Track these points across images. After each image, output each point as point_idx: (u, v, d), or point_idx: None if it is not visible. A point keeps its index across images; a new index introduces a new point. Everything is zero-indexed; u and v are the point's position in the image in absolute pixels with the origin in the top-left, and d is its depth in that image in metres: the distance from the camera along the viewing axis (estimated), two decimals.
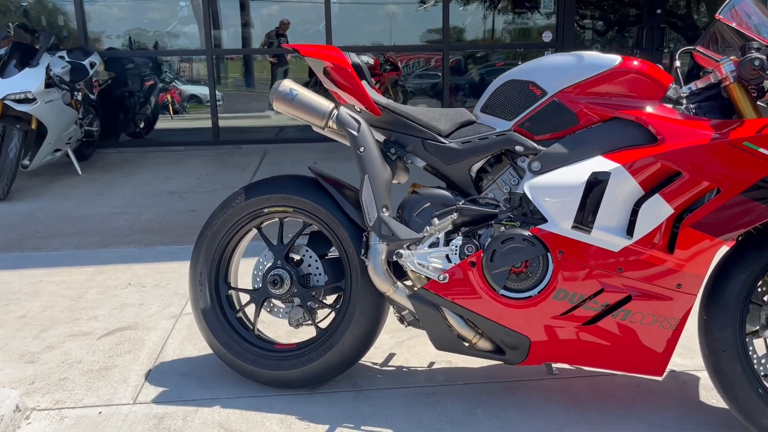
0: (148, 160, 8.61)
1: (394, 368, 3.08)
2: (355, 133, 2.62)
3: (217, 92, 9.55)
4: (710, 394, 2.74)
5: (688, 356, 3.08)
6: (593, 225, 2.35)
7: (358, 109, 2.71)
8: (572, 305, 2.43)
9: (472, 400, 2.77)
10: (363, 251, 2.66)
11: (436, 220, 2.59)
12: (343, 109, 2.66)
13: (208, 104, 9.45)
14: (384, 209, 2.61)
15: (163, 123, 10.74)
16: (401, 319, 2.79)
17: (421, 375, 2.93)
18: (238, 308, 2.97)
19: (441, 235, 2.60)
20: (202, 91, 10.44)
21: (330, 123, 2.66)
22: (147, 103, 10.18)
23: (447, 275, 2.53)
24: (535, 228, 2.43)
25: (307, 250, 2.87)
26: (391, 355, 3.20)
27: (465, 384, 2.85)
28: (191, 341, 3.33)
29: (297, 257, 2.88)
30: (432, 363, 3.11)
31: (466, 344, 2.65)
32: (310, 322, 2.84)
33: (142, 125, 10.20)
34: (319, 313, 2.85)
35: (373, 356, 3.08)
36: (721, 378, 2.39)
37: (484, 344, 2.62)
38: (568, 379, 2.95)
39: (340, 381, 2.86)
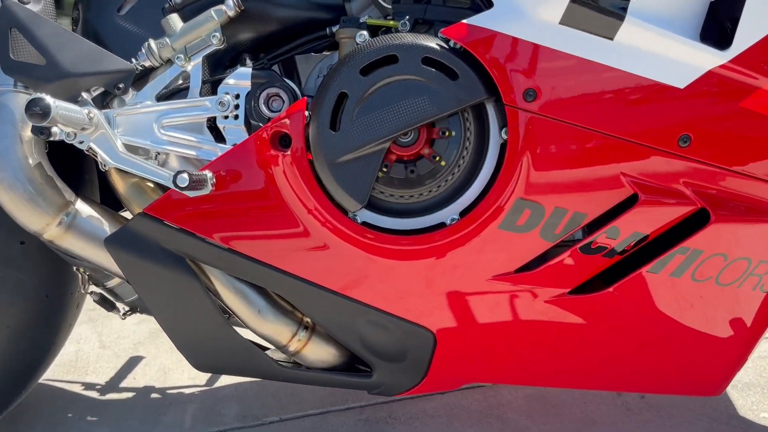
0: None
1: (130, 395, 1.42)
2: None
3: None
4: (750, 401, 1.40)
5: None
6: (626, 7, 0.80)
7: None
8: (550, 242, 0.90)
9: None
10: None
11: (174, 23, 0.90)
12: None
13: None
14: None
15: None
16: (107, 302, 1.11)
17: (188, 408, 1.27)
18: None
19: (192, 65, 0.92)
20: None
21: None
22: None
23: (210, 174, 0.88)
24: (455, 26, 0.83)
25: None
26: (131, 363, 1.53)
27: (280, 422, 1.23)
28: None
29: None
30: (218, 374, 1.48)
31: (275, 356, 1.03)
32: None
33: None
34: None
35: (91, 367, 1.34)
36: None
37: (316, 352, 1.03)
38: (494, 391, 1.47)
39: None
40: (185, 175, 0.82)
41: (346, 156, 0.85)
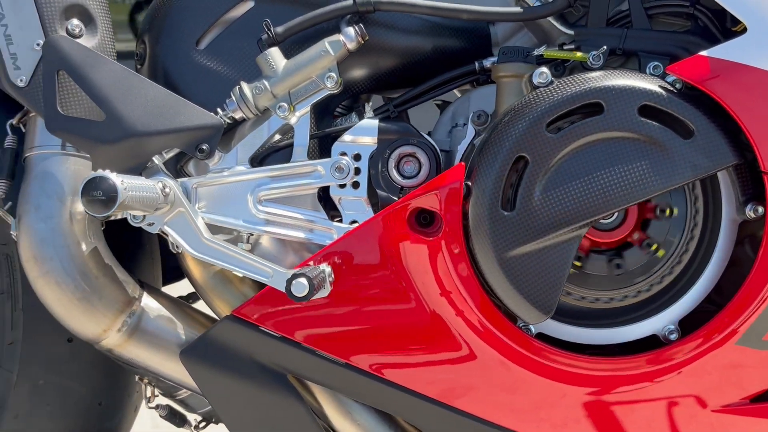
0: None
1: None
2: None
3: None
4: None
5: None
6: None
7: None
8: None
9: None
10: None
11: (275, 60, 0.66)
12: None
13: None
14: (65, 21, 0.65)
15: None
16: (177, 415, 0.87)
17: None
18: None
19: (297, 117, 0.68)
20: None
21: None
22: None
23: (328, 269, 0.63)
24: (689, 61, 0.57)
25: None
26: None
27: None
28: None
29: None
30: None
31: None
32: None
33: None
34: None
35: None
36: None
37: None
38: None
39: None
40: (303, 281, 0.57)
41: (526, 246, 0.60)
